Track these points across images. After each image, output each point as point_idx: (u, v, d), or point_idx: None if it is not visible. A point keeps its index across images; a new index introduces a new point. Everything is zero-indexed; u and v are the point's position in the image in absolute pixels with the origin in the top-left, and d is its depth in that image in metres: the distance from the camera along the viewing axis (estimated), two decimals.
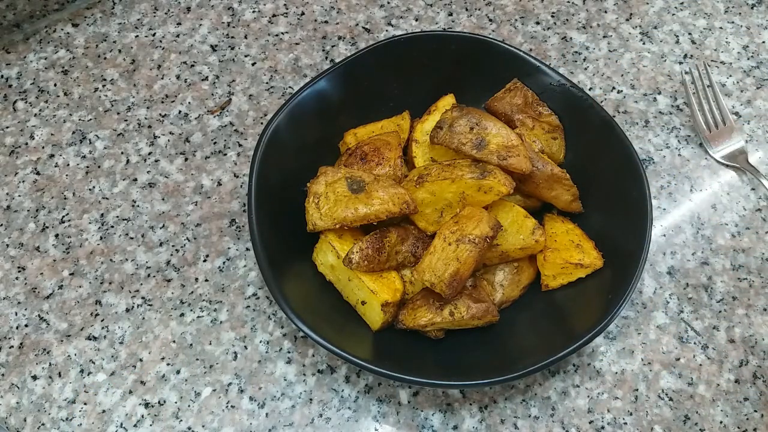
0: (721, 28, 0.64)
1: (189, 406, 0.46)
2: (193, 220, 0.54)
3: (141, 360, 0.48)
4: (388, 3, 0.66)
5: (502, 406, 0.46)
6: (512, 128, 0.48)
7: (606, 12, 0.65)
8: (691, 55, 0.62)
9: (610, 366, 0.48)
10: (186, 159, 0.57)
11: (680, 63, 0.61)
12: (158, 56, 0.63)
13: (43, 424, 0.46)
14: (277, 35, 0.64)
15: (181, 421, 0.46)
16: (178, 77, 0.61)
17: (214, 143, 0.58)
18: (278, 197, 0.48)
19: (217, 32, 0.64)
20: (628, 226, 0.46)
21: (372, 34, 0.64)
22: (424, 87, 0.53)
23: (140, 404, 0.47)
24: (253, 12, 0.65)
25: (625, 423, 0.46)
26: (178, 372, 0.48)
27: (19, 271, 0.52)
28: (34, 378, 0.48)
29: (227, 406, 0.46)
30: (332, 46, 0.63)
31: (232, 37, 0.64)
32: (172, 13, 0.66)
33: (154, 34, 0.64)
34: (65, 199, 0.55)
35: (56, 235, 0.53)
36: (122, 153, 0.57)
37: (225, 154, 0.57)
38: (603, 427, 0.46)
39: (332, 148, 0.53)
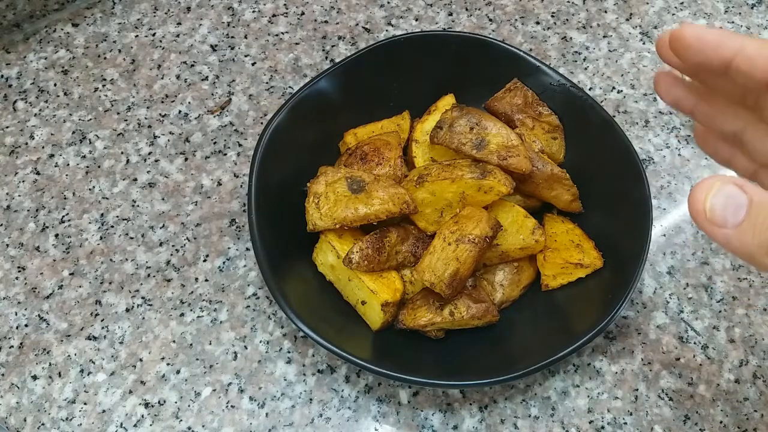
0: (721, 28, 0.64)
1: (189, 406, 0.46)
2: (193, 220, 0.54)
3: (141, 360, 0.48)
4: (388, 3, 0.66)
5: (502, 406, 0.46)
6: (512, 128, 0.48)
7: (606, 12, 0.65)
8: None
9: (610, 366, 0.48)
10: (186, 159, 0.57)
11: None
12: (158, 56, 0.63)
13: (43, 424, 0.46)
14: (277, 35, 0.64)
15: (181, 421, 0.46)
16: (178, 77, 0.61)
17: (214, 143, 0.58)
18: (278, 197, 0.48)
19: (217, 32, 0.64)
20: (628, 226, 0.46)
21: (372, 34, 0.64)
22: (424, 87, 0.53)
23: (140, 404, 0.47)
24: (253, 12, 0.65)
25: (625, 423, 0.46)
26: (178, 372, 0.48)
27: (19, 271, 0.52)
28: (34, 378, 0.48)
29: (227, 406, 0.46)
30: (332, 46, 0.63)
31: (232, 37, 0.64)
32: (172, 13, 0.66)
33: (154, 34, 0.64)
34: (65, 199, 0.55)
35: (56, 235, 0.53)
36: (122, 153, 0.57)
37: (225, 154, 0.57)
38: (603, 427, 0.46)
39: (332, 148, 0.53)
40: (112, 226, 0.54)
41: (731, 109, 0.34)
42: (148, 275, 0.52)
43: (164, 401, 0.47)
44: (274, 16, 0.65)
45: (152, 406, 0.47)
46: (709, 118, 0.35)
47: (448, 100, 0.52)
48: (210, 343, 0.49)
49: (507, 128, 0.47)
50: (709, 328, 0.49)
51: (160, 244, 0.53)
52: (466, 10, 0.65)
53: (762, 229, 0.26)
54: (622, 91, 0.60)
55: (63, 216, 0.54)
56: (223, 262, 0.52)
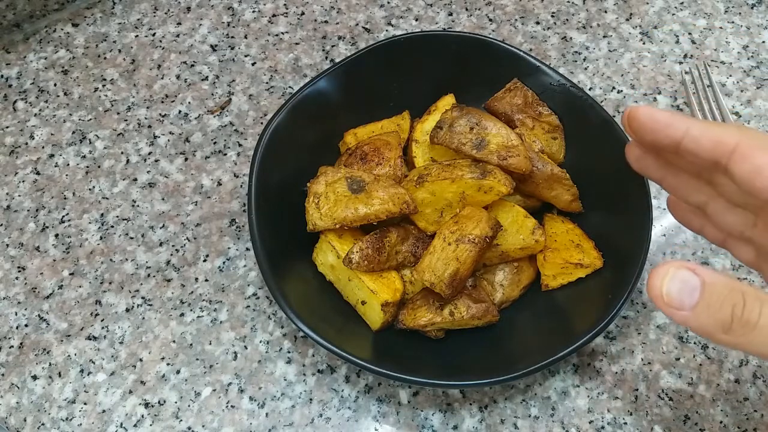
0: (721, 28, 0.64)
1: (189, 406, 0.46)
2: (193, 220, 0.54)
3: (141, 360, 0.48)
4: (388, 3, 0.66)
5: (502, 406, 0.46)
6: (512, 128, 0.48)
7: (606, 12, 0.65)
8: (691, 55, 0.62)
9: (610, 366, 0.48)
10: (186, 159, 0.57)
11: (680, 63, 0.62)
12: (158, 56, 0.63)
13: (43, 424, 0.46)
14: (277, 35, 0.64)
15: (181, 421, 0.46)
16: (178, 77, 0.61)
17: (214, 143, 0.58)
18: (278, 197, 0.48)
19: (217, 32, 0.64)
20: (628, 226, 0.46)
21: (372, 34, 0.64)
22: (424, 87, 0.53)
23: (140, 404, 0.47)
24: (253, 12, 0.65)
25: (625, 423, 0.46)
26: (178, 372, 0.48)
27: (19, 271, 0.52)
28: (34, 378, 0.48)
29: (227, 406, 0.46)
30: (332, 46, 0.63)
31: (232, 37, 0.64)
32: (172, 13, 0.66)
33: (154, 34, 0.64)
34: (65, 199, 0.55)
35: (56, 235, 0.53)
36: (122, 153, 0.57)
37: (225, 154, 0.57)
38: (603, 427, 0.46)
39: (332, 148, 0.53)
40: (112, 226, 0.54)
41: (694, 182, 0.36)
42: (148, 275, 0.52)
43: (164, 401, 0.47)
44: (274, 16, 0.65)
45: (152, 406, 0.47)
46: (676, 190, 0.38)
47: (448, 100, 0.52)
48: (210, 343, 0.49)
49: (507, 128, 0.47)
50: None
51: (160, 244, 0.53)
52: (466, 10, 0.65)
53: (716, 309, 0.28)
54: (622, 91, 0.60)
55: (63, 216, 0.54)
56: (223, 262, 0.52)
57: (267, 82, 0.61)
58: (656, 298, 0.29)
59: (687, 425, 0.46)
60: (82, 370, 0.48)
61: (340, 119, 0.53)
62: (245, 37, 0.64)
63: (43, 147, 0.58)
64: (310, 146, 0.51)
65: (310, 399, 0.47)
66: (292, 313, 0.43)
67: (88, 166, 0.57)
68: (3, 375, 0.48)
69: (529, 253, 0.47)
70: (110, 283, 0.51)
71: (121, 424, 0.46)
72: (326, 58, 0.62)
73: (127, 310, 0.50)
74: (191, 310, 0.50)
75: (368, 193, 0.45)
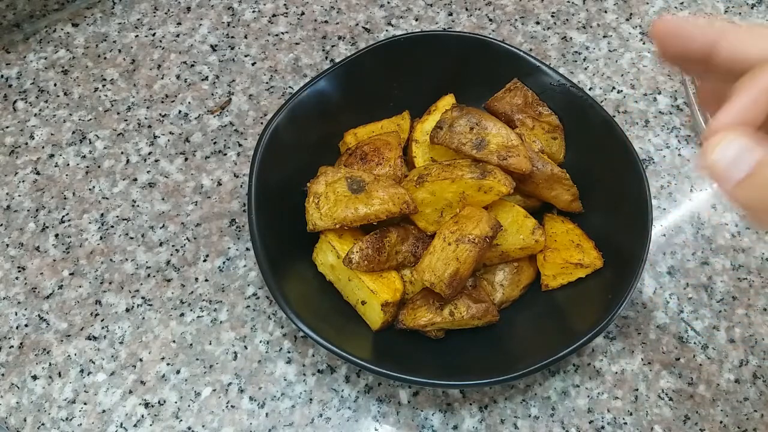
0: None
1: (189, 406, 0.46)
2: (193, 220, 0.54)
3: (141, 360, 0.48)
4: (388, 3, 0.66)
5: (502, 406, 0.46)
6: (512, 128, 0.48)
7: (606, 12, 0.65)
8: None
9: (610, 366, 0.48)
10: (186, 159, 0.57)
11: None
12: (158, 56, 0.63)
13: (43, 424, 0.46)
14: (277, 35, 0.64)
15: (181, 421, 0.46)
16: (178, 77, 0.61)
17: (214, 143, 0.58)
18: (278, 197, 0.48)
19: (217, 32, 0.64)
20: (628, 226, 0.46)
21: (372, 34, 0.64)
22: (424, 87, 0.53)
23: (140, 404, 0.47)
24: (253, 12, 0.65)
25: (625, 423, 0.46)
26: (178, 372, 0.48)
27: (19, 271, 0.52)
28: (34, 378, 0.48)
29: (227, 406, 0.46)
30: (332, 46, 0.63)
31: (232, 37, 0.64)
32: (172, 13, 0.66)
33: (154, 34, 0.64)
34: (65, 199, 0.55)
35: (56, 235, 0.53)
36: (122, 153, 0.57)
37: (225, 154, 0.57)
38: (603, 427, 0.46)
39: (332, 148, 0.53)
40: (112, 226, 0.54)
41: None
42: (148, 275, 0.52)
43: (164, 401, 0.47)
44: (274, 16, 0.65)
45: (152, 406, 0.47)
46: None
47: (448, 100, 0.52)
48: (210, 343, 0.49)
49: (507, 128, 0.47)
50: (709, 328, 0.49)
51: (160, 244, 0.53)
52: (466, 10, 0.65)
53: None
54: (622, 91, 0.60)
55: (63, 216, 0.54)
56: (223, 262, 0.52)
57: (267, 82, 0.61)
58: (705, 166, 0.27)
59: (687, 425, 0.46)
60: (82, 370, 0.48)
61: (340, 119, 0.53)
62: (245, 37, 0.64)
63: (43, 147, 0.58)
64: (310, 146, 0.51)
65: (310, 399, 0.47)
66: (292, 313, 0.43)
67: (88, 166, 0.57)
68: (3, 375, 0.48)
69: (529, 253, 0.47)
70: (110, 283, 0.51)
71: (121, 424, 0.46)
72: (326, 58, 0.62)
73: (127, 310, 0.50)
74: (191, 310, 0.50)
75: (368, 193, 0.45)
